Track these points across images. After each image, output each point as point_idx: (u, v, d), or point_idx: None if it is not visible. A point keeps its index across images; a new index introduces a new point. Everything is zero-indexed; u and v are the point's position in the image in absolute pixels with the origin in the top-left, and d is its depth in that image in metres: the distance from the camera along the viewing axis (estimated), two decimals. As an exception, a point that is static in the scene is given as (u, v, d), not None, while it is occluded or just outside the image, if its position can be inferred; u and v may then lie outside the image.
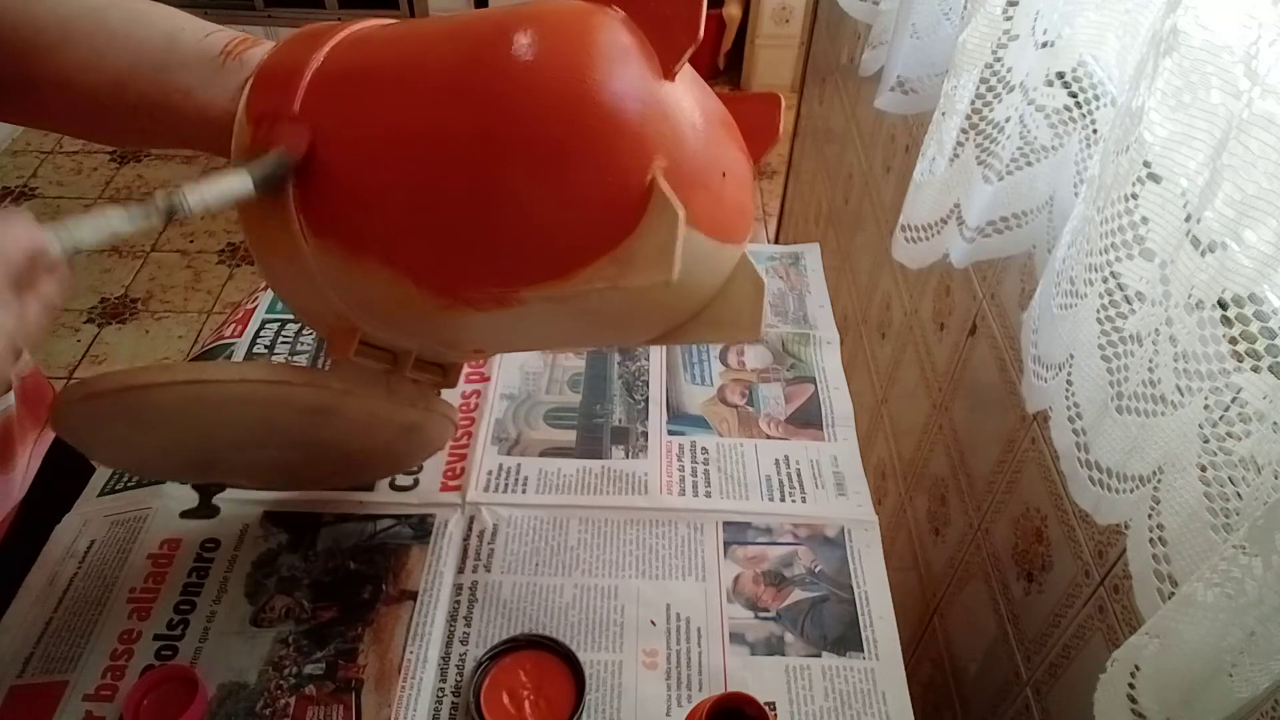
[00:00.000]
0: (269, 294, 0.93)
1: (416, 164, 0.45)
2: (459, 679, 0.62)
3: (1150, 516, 0.47)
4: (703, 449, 0.79)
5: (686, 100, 0.47)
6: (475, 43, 0.46)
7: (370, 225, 0.47)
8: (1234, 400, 0.43)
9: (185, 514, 0.73)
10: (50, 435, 0.75)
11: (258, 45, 0.51)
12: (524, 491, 0.75)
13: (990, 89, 0.64)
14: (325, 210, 0.47)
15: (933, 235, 0.75)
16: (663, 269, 0.43)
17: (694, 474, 0.76)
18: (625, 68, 0.45)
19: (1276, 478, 0.39)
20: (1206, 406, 0.44)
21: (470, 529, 0.72)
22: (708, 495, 0.75)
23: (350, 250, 0.47)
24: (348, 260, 0.48)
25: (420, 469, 0.76)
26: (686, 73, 0.48)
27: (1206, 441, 0.44)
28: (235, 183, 0.45)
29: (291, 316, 0.90)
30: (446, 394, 0.66)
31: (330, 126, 0.47)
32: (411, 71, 0.47)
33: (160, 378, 0.51)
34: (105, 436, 0.57)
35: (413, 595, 0.67)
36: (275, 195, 0.46)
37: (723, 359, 0.87)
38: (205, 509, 0.73)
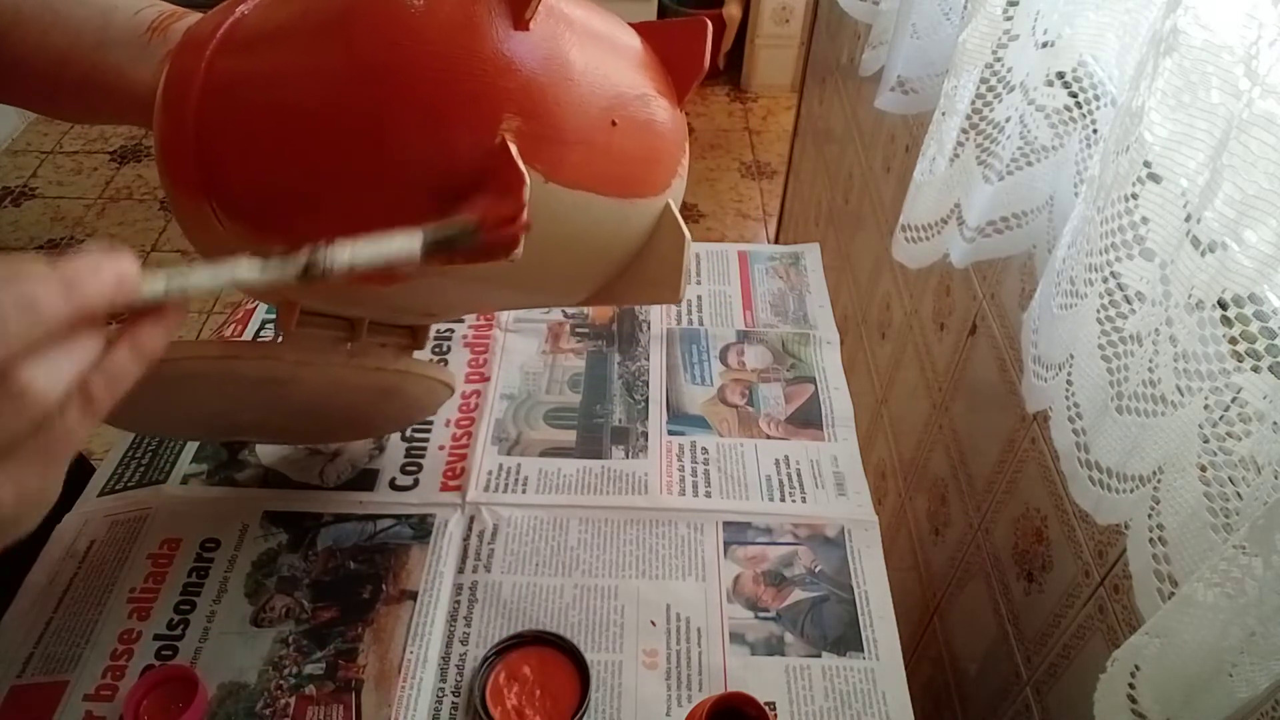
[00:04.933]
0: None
1: (280, 139, 0.44)
2: (459, 679, 0.62)
3: (1150, 516, 0.47)
4: (703, 449, 0.79)
5: (547, 47, 0.43)
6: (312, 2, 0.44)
7: (264, 206, 0.46)
8: (1234, 400, 0.43)
9: (222, 465, 0.76)
10: None
11: (184, 18, 0.51)
12: (524, 491, 0.75)
13: (990, 89, 0.64)
14: (228, 193, 0.46)
15: (933, 235, 0.75)
16: (508, 249, 0.40)
17: (694, 474, 0.76)
18: (452, 20, 0.41)
19: (1276, 478, 0.39)
20: (1206, 406, 0.44)
21: (470, 529, 0.72)
22: (708, 495, 0.75)
23: (257, 231, 0.46)
24: (258, 241, 0.46)
25: (420, 469, 0.76)
26: (554, 14, 0.44)
27: (1206, 441, 0.44)
28: (399, 243, 0.39)
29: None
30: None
31: (221, 101, 0.45)
32: (269, 40, 0.46)
33: None
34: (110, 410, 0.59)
35: (413, 595, 0.67)
36: (443, 258, 0.41)
37: (723, 359, 0.87)
38: (237, 463, 0.76)
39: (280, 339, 0.55)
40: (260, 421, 0.66)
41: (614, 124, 0.46)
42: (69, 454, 0.33)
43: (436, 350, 0.88)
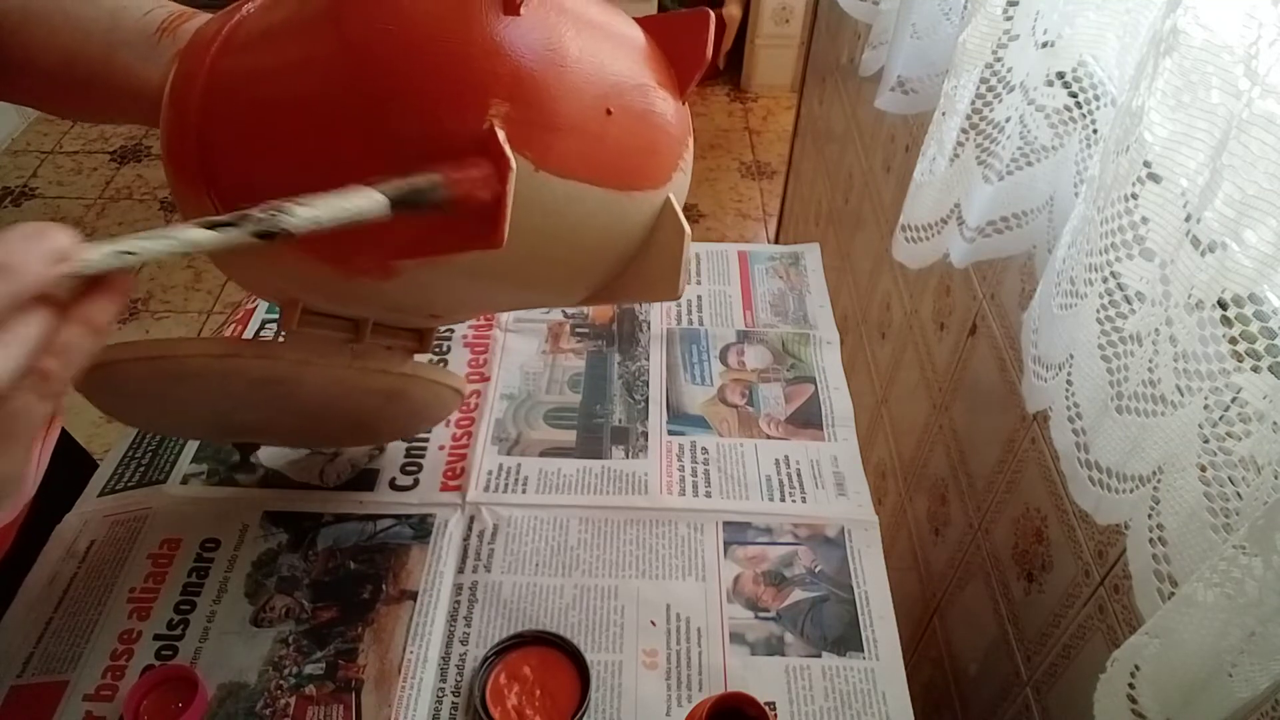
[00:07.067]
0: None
1: (276, 131, 0.44)
2: (459, 679, 0.62)
3: (1150, 516, 0.47)
4: (703, 449, 0.79)
5: (539, 33, 0.43)
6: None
7: (264, 198, 0.46)
8: (1234, 400, 0.43)
9: (233, 468, 0.76)
10: (55, 434, 0.75)
11: (193, 19, 0.51)
12: (524, 491, 0.75)
13: (990, 89, 0.64)
14: (228, 186, 0.46)
15: (933, 235, 0.75)
16: (495, 236, 0.39)
17: (694, 474, 0.76)
18: (443, 4, 0.41)
19: (1276, 478, 0.39)
20: (1206, 406, 0.44)
21: (470, 529, 0.72)
22: (708, 495, 0.75)
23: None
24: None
25: (420, 469, 0.76)
26: (549, 1, 0.44)
27: (1206, 441, 0.44)
28: (363, 200, 0.38)
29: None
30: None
31: (222, 97, 0.45)
32: (267, 35, 0.46)
33: (124, 354, 0.52)
34: (116, 405, 0.60)
35: (413, 595, 0.67)
36: (413, 215, 0.41)
37: (723, 359, 0.87)
38: (246, 466, 0.76)
39: (283, 338, 0.55)
40: (265, 422, 0.66)
41: (609, 112, 0.45)
42: (29, 435, 0.32)
43: (436, 350, 0.87)
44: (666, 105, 0.49)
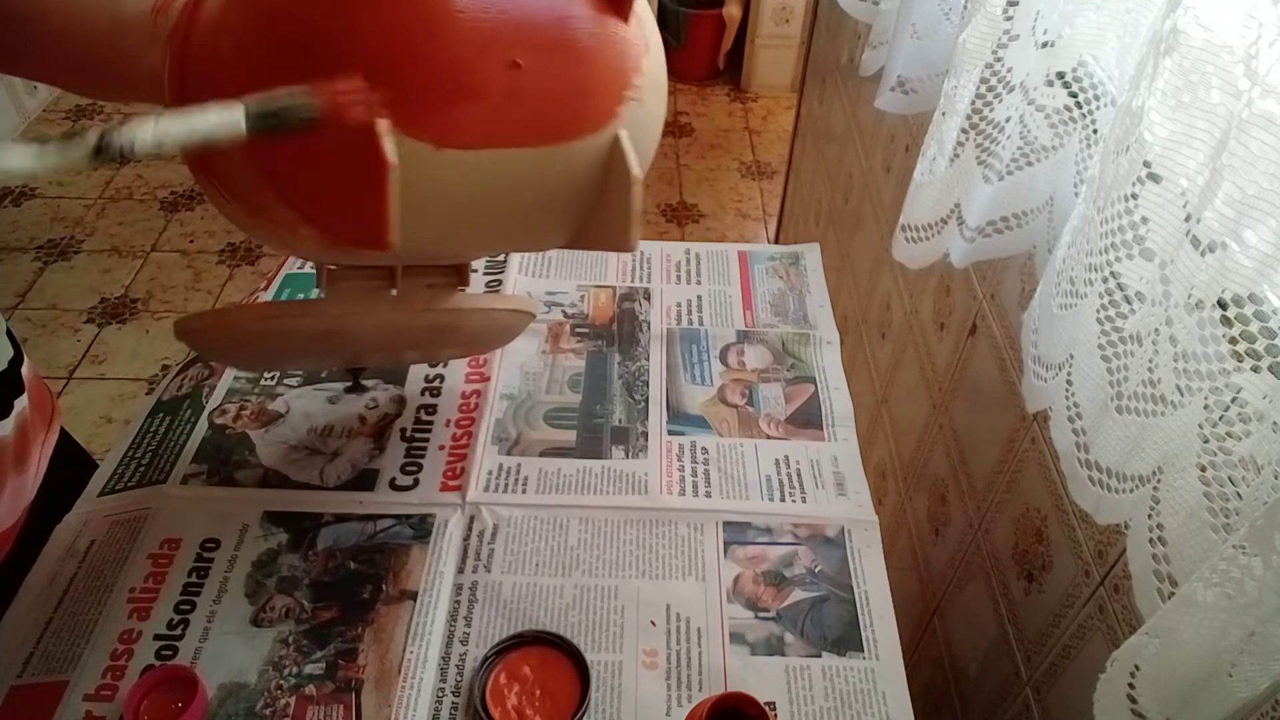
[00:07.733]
0: (269, 294, 0.93)
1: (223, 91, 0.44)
2: (459, 679, 0.62)
3: (1150, 516, 0.47)
4: (703, 449, 0.79)
5: None
6: None
7: (248, 187, 0.45)
8: (1234, 400, 0.43)
9: (348, 389, 0.81)
10: (55, 436, 0.75)
11: None
12: (524, 491, 0.75)
13: (990, 89, 0.64)
14: (222, 172, 0.46)
15: (933, 235, 0.75)
16: (380, 239, 0.37)
17: (694, 474, 0.76)
18: None
19: (1276, 478, 0.39)
20: (1206, 406, 0.44)
21: (470, 529, 0.72)
22: (708, 495, 0.75)
23: (251, 210, 0.48)
24: (254, 216, 0.48)
25: (420, 469, 0.76)
26: None
27: (1206, 441, 0.44)
28: (217, 118, 0.35)
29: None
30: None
31: (196, 78, 0.44)
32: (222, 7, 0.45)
33: (194, 325, 0.58)
34: (214, 356, 0.72)
35: (413, 595, 0.67)
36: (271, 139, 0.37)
37: (723, 359, 0.87)
38: (356, 387, 0.80)
39: (323, 294, 0.58)
40: (339, 359, 0.71)
41: (516, 65, 0.39)
42: None
43: (436, 350, 0.88)
44: (598, 32, 0.42)
